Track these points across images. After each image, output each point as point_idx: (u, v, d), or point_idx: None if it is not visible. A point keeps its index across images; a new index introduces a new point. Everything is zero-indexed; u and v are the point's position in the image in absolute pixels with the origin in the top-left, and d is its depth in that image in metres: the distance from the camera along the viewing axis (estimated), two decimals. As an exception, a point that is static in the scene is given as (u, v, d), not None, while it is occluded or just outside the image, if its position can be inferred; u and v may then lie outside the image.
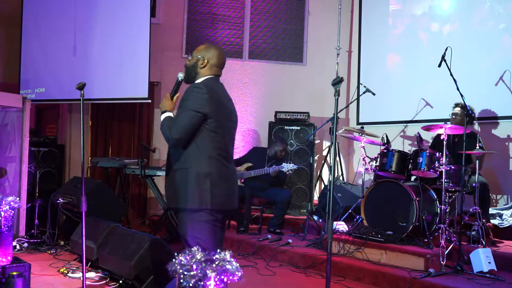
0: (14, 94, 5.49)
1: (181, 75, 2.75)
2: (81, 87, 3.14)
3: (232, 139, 2.75)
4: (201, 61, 2.71)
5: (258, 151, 6.03)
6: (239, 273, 1.75)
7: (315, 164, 6.62)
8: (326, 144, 7.24)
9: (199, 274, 1.69)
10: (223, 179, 2.61)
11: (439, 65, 4.71)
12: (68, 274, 4.05)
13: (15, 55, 6.69)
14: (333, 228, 4.76)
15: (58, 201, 4.98)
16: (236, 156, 6.62)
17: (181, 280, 1.70)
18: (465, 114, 4.72)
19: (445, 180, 4.31)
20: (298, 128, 6.49)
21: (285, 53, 7.33)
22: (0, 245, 3.22)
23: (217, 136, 2.59)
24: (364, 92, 6.01)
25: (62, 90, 6.40)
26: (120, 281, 3.78)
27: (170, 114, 2.68)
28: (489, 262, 3.97)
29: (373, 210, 4.78)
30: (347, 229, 4.87)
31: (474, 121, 5.16)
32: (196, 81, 2.69)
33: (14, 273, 2.94)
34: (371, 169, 5.05)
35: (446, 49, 4.67)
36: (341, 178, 6.63)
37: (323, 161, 6.90)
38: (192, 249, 1.80)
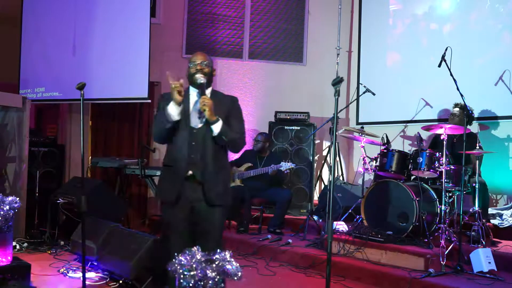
0: (14, 94, 5.49)
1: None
2: (81, 87, 3.14)
3: None
4: (214, 72, 2.92)
5: (249, 153, 6.01)
6: (239, 273, 1.75)
7: (315, 164, 6.62)
8: (326, 144, 7.24)
9: (199, 274, 1.69)
10: None
11: (439, 65, 4.70)
12: (68, 274, 4.05)
13: (15, 55, 6.69)
14: (333, 228, 4.76)
15: (58, 201, 4.98)
16: (231, 159, 6.63)
17: (181, 280, 1.70)
18: (465, 115, 4.72)
19: (445, 180, 4.32)
20: (298, 128, 6.48)
21: (285, 53, 7.33)
22: (0, 245, 3.21)
23: None
24: (364, 92, 6.01)
25: (62, 90, 6.39)
26: (120, 281, 3.78)
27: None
28: (489, 262, 3.97)
29: (373, 210, 4.78)
30: (347, 229, 4.88)
31: (474, 121, 5.15)
32: (210, 89, 2.87)
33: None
34: (371, 169, 5.04)
35: (446, 49, 4.67)
36: (341, 178, 6.63)
37: (323, 161, 6.90)
38: (192, 249, 1.81)
